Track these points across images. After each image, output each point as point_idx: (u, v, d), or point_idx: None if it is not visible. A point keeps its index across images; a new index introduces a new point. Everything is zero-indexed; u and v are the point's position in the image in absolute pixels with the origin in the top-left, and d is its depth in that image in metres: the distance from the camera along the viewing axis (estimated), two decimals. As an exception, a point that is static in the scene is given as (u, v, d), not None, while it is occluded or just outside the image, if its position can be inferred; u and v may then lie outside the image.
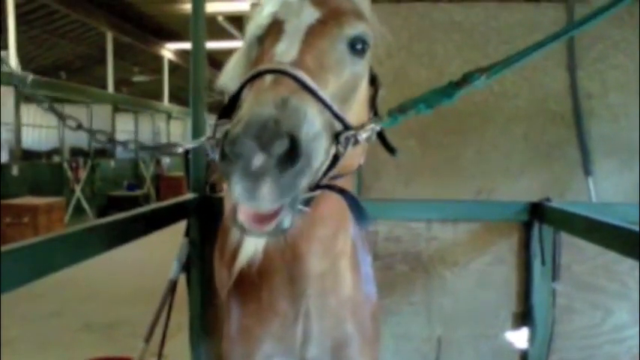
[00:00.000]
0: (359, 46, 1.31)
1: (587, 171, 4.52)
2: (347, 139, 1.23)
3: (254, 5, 1.56)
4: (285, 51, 1.21)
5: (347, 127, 1.22)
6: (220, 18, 14.69)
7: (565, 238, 2.71)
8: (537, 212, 2.70)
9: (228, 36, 16.20)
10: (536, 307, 2.77)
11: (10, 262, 1.39)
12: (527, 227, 2.79)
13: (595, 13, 1.37)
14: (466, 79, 1.47)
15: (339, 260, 1.63)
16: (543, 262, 2.72)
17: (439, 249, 2.87)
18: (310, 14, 1.27)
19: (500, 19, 4.59)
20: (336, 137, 1.18)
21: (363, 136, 1.33)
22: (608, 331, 2.80)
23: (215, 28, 14.79)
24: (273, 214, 1.11)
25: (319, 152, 1.12)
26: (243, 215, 1.11)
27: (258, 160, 0.99)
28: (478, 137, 4.08)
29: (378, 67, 1.58)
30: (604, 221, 2.07)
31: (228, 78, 1.39)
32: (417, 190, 3.67)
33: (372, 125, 1.36)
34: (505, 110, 4.25)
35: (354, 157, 1.39)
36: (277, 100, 1.06)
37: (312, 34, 1.24)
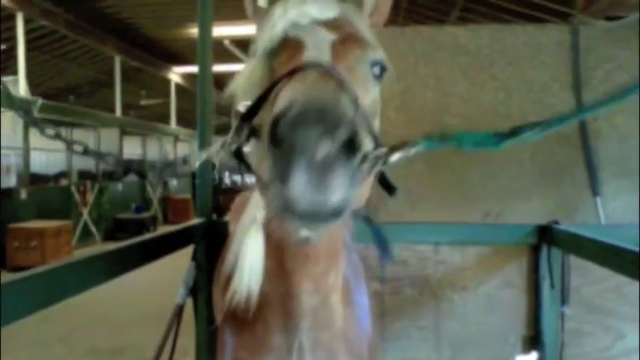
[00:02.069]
0: (377, 71, 1.28)
1: (595, 192, 4.49)
2: (377, 158, 1.16)
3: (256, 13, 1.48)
4: (318, 57, 1.12)
5: (378, 144, 1.15)
6: (227, 41, 14.86)
7: (574, 260, 2.69)
8: (545, 235, 2.69)
9: (235, 59, 16.36)
10: (545, 330, 2.73)
11: (17, 292, 1.39)
12: (535, 250, 2.77)
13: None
14: (516, 131, 1.44)
15: (330, 295, 1.60)
16: (552, 285, 2.69)
17: (447, 273, 2.85)
18: (326, 35, 1.22)
19: (505, 42, 4.62)
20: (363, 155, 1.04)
21: (394, 158, 1.29)
22: (619, 354, 2.77)
23: (221, 51, 14.96)
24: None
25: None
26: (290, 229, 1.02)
27: (324, 147, 0.87)
28: (485, 159, 4.07)
29: (384, 90, 1.58)
30: (612, 244, 2.05)
31: (242, 87, 1.29)
32: (424, 213, 3.65)
33: (408, 147, 1.31)
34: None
35: (366, 187, 1.31)
36: (333, 87, 0.98)
37: (337, 51, 1.18)
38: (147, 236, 2.29)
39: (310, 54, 1.14)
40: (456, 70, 4.73)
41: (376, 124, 1.31)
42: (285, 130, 0.89)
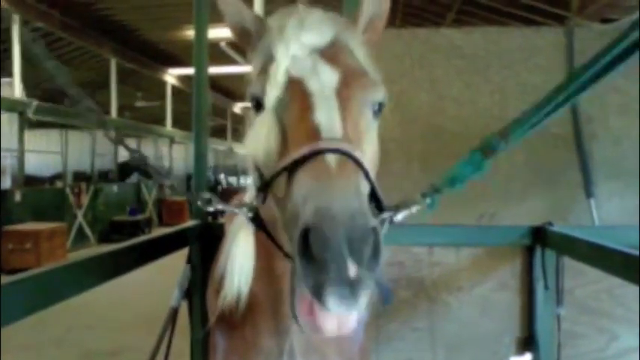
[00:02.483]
0: (377, 109, 1.33)
1: (589, 194, 4.51)
2: (383, 220, 1.25)
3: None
4: (330, 123, 1.17)
5: (382, 207, 1.22)
6: (223, 44, 14.86)
7: (568, 261, 2.70)
8: (539, 237, 2.70)
9: (231, 61, 16.36)
10: (539, 331, 2.74)
11: (11, 295, 1.39)
12: (529, 252, 2.78)
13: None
14: (487, 146, 1.52)
15: None
16: (546, 287, 2.70)
17: (442, 274, 2.86)
18: (329, 75, 1.25)
19: (500, 44, 4.64)
20: None
21: (399, 217, 1.40)
22: (613, 355, 2.78)
23: (217, 53, 14.95)
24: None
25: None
26: (322, 321, 1.08)
27: (354, 267, 0.97)
28: (479, 161, 4.06)
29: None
30: (606, 246, 2.06)
31: (261, 148, 1.28)
32: (419, 215, 3.66)
33: (413, 207, 1.46)
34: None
35: None
36: (355, 189, 1.04)
37: (343, 100, 1.23)
38: (142, 238, 2.29)
39: (322, 120, 1.17)
40: (451, 72, 4.74)
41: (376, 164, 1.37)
42: (317, 249, 0.97)
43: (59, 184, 15.60)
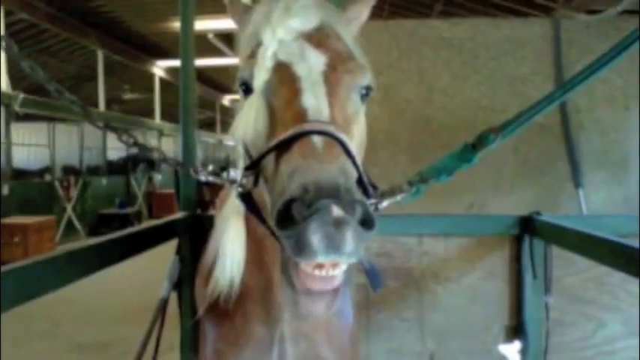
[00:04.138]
0: (365, 93, 1.34)
1: (577, 184, 4.56)
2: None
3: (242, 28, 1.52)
4: (317, 107, 1.18)
5: (368, 194, 1.22)
6: (210, 35, 14.78)
7: (556, 251, 2.72)
8: (528, 226, 2.71)
9: (219, 53, 16.28)
10: (528, 320, 2.76)
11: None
12: (518, 241, 2.80)
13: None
14: (481, 140, 1.54)
15: None
16: (535, 276, 2.72)
17: (431, 264, 2.87)
18: (316, 59, 1.26)
19: (487, 35, 4.66)
20: None
21: (383, 205, 1.41)
22: (599, 343, 2.81)
23: (205, 45, 14.86)
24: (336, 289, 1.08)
25: None
26: (305, 278, 1.05)
27: (339, 210, 0.93)
28: (468, 152, 4.08)
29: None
30: (594, 235, 2.08)
31: (250, 130, 1.29)
32: (408, 206, 3.66)
33: (399, 194, 1.46)
34: (494, 124, 4.25)
35: None
36: (340, 167, 1.03)
37: (330, 84, 1.24)
38: (129, 230, 2.27)
39: (309, 103, 1.18)
40: (439, 63, 4.76)
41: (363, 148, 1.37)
42: (301, 210, 0.95)
43: (48, 177, 15.46)
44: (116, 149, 19.48)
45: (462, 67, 4.68)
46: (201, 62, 16.36)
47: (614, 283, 2.78)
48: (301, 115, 1.17)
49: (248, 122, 1.27)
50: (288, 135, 1.12)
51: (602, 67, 1.57)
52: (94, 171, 17.43)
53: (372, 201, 1.28)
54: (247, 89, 1.32)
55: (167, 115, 22.32)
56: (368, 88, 1.34)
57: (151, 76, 21.23)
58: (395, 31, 4.75)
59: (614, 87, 4.51)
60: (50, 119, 15.98)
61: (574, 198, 4.53)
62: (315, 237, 0.94)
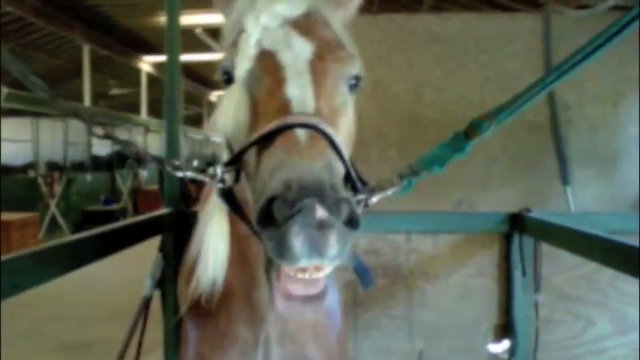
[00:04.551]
0: (354, 83, 1.27)
1: (565, 181, 4.55)
2: (358, 202, 1.19)
3: (227, 15, 1.44)
4: (302, 98, 1.11)
5: (357, 189, 1.17)
6: (198, 30, 14.63)
7: (545, 248, 2.69)
8: (517, 223, 2.68)
9: (206, 48, 16.13)
10: (517, 318, 2.73)
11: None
12: (507, 238, 2.77)
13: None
14: (474, 128, 1.48)
15: None
16: (524, 273, 2.69)
17: (419, 262, 2.83)
18: (303, 46, 1.20)
19: (478, 30, 4.62)
20: None
21: (374, 199, 1.36)
22: (589, 341, 2.78)
23: (193, 40, 14.72)
24: (322, 292, 1.02)
25: None
26: (290, 284, 1.01)
27: (323, 211, 0.88)
28: (457, 148, 4.04)
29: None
30: (585, 232, 2.04)
31: (230, 122, 1.22)
32: (395, 203, 3.63)
33: (389, 189, 1.41)
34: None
35: None
36: (325, 163, 0.97)
37: (317, 73, 1.17)
38: (110, 226, 2.20)
39: (293, 94, 1.12)
40: (429, 58, 4.71)
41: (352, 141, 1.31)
42: (282, 210, 0.90)
43: (31, 173, 15.25)
44: (101, 145, 19.27)
45: (452, 63, 4.65)
46: (188, 57, 16.22)
47: (603, 280, 2.76)
48: (285, 107, 1.10)
49: (228, 114, 1.20)
50: (270, 128, 1.06)
51: (599, 49, 1.52)
52: (78, 167, 17.22)
53: (361, 197, 1.22)
54: (229, 79, 1.25)
55: (154, 111, 22.13)
56: (357, 79, 1.27)
57: (138, 71, 21.02)
58: (385, 25, 4.70)
59: (604, 83, 4.50)
60: (34, 114, 15.76)
61: (562, 195, 4.52)
62: (297, 240, 0.89)
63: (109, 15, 15.50)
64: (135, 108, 21.79)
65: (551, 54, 4.52)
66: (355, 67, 1.26)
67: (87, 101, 16.90)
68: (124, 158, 19.31)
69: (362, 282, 1.49)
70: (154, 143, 23.30)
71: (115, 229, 2.18)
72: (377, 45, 4.64)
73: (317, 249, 0.89)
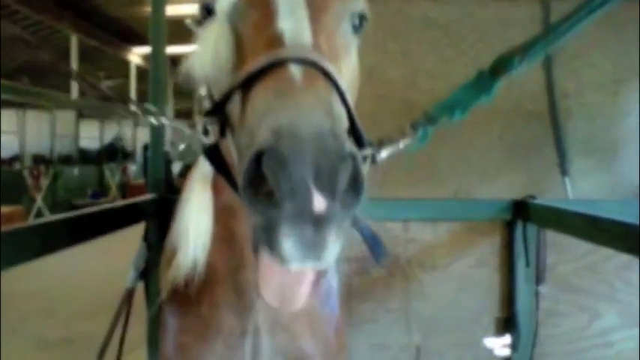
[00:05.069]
0: (358, 23, 1.11)
1: (564, 171, 4.42)
2: (364, 158, 1.05)
3: None
4: (297, 31, 0.93)
5: (362, 143, 0.99)
6: (189, 20, 14.41)
7: (549, 237, 2.56)
8: (521, 210, 2.56)
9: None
10: (520, 311, 2.62)
11: None
12: (509, 226, 2.64)
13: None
14: (503, 64, 1.28)
15: None
16: (528, 264, 2.57)
17: (418, 251, 2.71)
18: None
19: (475, 16, 4.48)
20: None
21: (382, 155, 1.22)
22: (595, 334, 2.68)
23: (183, 31, 14.49)
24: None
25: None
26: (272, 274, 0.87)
27: (320, 199, 0.73)
28: (454, 137, 3.93)
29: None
30: (596, 216, 1.91)
31: (208, 61, 1.05)
32: (393, 192, 3.51)
33: (400, 141, 1.26)
34: (480, 110, 4.08)
35: None
36: (324, 106, 0.80)
37: (315, 8, 0.99)
38: (87, 210, 2.03)
39: (286, 26, 0.94)
40: (425, 45, 4.57)
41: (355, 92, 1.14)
42: (270, 173, 0.74)
43: (16, 165, 15.01)
44: (89, 138, 19.04)
45: (449, 49, 4.50)
46: (179, 49, 16.00)
47: (609, 271, 2.65)
48: (276, 41, 0.91)
49: (206, 52, 1.03)
50: (257, 65, 0.88)
51: None
52: (65, 160, 16.99)
53: (368, 152, 1.06)
54: (210, 14, 1.08)
55: (143, 104, 21.85)
56: (362, 17, 1.11)
57: (127, 62, 20.73)
58: (380, 10, 4.54)
59: (603, 72, 4.38)
60: (20, 105, 15.49)
61: (561, 185, 4.40)
62: (288, 241, 0.75)
63: (96, 5, 15.24)
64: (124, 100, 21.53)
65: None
66: (359, 3, 1.10)
67: (74, 92, 16.63)
68: (112, 151, 19.12)
69: (373, 254, 1.33)
70: (144, 136, 23.05)
71: (93, 213, 2.02)
72: (371, 31, 4.50)
73: (312, 252, 0.76)
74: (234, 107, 0.96)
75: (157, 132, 2.72)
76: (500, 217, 2.63)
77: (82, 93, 16.57)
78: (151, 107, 1.34)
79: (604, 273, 2.65)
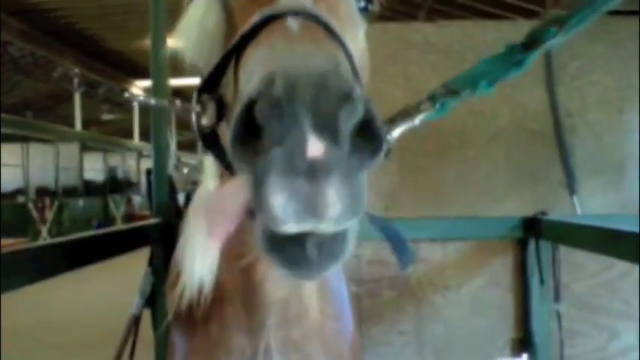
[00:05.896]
0: (364, 4, 1.03)
1: (572, 190, 4.38)
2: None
3: None
4: None
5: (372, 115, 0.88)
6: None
7: (562, 255, 2.51)
8: (533, 227, 2.51)
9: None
10: (536, 331, 2.54)
11: None
12: (522, 245, 2.58)
13: None
14: (538, 36, 1.18)
15: (303, 284, 1.31)
16: (542, 282, 2.51)
17: (428, 272, 2.65)
18: None
19: (476, 38, 4.50)
20: None
21: (395, 133, 1.12)
22: (614, 354, 2.61)
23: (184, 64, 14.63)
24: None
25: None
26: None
27: (318, 142, 0.59)
28: (458, 159, 3.92)
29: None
30: (613, 229, 1.86)
31: (195, 33, 0.97)
32: (397, 216, 3.47)
33: (417, 115, 1.13)
34: (485, 131, 4.10)
35: None
36: (327, 53, 0.68)
37: None
38: (88, 233, 1.99)
39: None
40: (426, 68, 4.58)
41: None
42: (262, 117, 0.61)
43: (20, 198, 15.02)
44: (93, 170, 19.11)
45: (450, 71, 4.46)
46: (182, 81, 16.13)
47: (626, 288, 2.58)
48: (271, 1, 0.80)
49: (192, 23, 0.96)
50: (250, 24, 0.77)
51: None
52: (70, 192, 17.01)
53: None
54: None
55: (146, 136, 22.00)
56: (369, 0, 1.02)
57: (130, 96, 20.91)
58: (380, 34, 4.57)
59: (607, 89, 4.37)
60: (24, 139, 15.58)
61: (569, 204, 4.35)
62: (279, 196, 0.61)
63: (99, 39, 15.44)
64: (127, 133, 21.66)
65: (551, 61, 4.40)
66: None
67: (78, 126, 16.75)
68: (116, 182, 19.17)
69: (399, 259, 1.26)
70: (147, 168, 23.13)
71: (95, 236, 1.97)
72: (372, 55, 4.51)
73: (310, 209, 0.61)
74: (228, 83, 0.86)
75: (160, 156, 2.70)
76: (512, 235, 2.58)
77: (84, 125, 16.66)
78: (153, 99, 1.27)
79: (620, 290, 2.59)
